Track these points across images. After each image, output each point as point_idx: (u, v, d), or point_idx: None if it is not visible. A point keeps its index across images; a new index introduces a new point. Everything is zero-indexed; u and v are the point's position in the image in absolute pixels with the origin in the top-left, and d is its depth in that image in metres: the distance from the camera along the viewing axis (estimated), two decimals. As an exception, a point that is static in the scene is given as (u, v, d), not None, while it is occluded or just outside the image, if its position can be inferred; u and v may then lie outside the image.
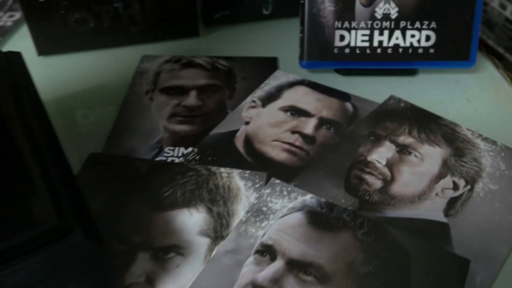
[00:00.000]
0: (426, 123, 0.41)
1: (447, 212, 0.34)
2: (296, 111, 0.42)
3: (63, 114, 0.45)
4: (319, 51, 0.45)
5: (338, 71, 0.47)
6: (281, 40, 0.52)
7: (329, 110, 0.42)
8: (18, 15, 0.57)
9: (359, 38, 0.45)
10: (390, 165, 0.37)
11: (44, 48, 0.50)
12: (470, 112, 0.43)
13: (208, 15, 0.54)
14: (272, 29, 0.55)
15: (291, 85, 0.46)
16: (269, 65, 0.49)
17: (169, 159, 0.39)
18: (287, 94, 0.44)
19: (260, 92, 0.45)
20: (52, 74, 0.49)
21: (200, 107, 0.43)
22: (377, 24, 0.44)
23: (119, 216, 0.34)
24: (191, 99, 0.44)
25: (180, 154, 0.39)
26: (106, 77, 0.49)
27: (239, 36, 0.54)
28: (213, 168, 0.37)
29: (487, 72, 0.48)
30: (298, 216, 0.33)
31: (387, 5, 0.44)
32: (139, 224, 0.33)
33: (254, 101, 0.44)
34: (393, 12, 0.44)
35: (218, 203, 0.34)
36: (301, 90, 0.45)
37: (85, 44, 0.51)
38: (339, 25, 0.44)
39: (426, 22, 0.44)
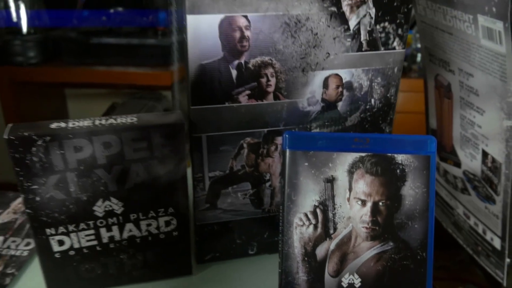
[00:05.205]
0: None
1: None
2: None
3: None
4: (294, 314, 0.52)
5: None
6: (265, 274, 0.60)
7: None
8: (33, 243, 0.65)
9: (328, 303, 0.52)
10: None
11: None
12: None
13: (201, 256, 0.62)
14: (256, 265, 0.63)
15: None
16: (252, 314, 0.56)
17: None
18: None
19: None
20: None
21: None
22: (344, 292, 0.52)
23: None
24: None
25: None
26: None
27: (227, 273, 0.62)
28: None
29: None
30: None
31: (351, 276, 0.52)
32: None
33: None
34: (357, 282, 0.52)
35: None
36: None
37: (91, 285, 0.58)
38: (311, 293, 0.52)
39: (387, 292, 0.52)
